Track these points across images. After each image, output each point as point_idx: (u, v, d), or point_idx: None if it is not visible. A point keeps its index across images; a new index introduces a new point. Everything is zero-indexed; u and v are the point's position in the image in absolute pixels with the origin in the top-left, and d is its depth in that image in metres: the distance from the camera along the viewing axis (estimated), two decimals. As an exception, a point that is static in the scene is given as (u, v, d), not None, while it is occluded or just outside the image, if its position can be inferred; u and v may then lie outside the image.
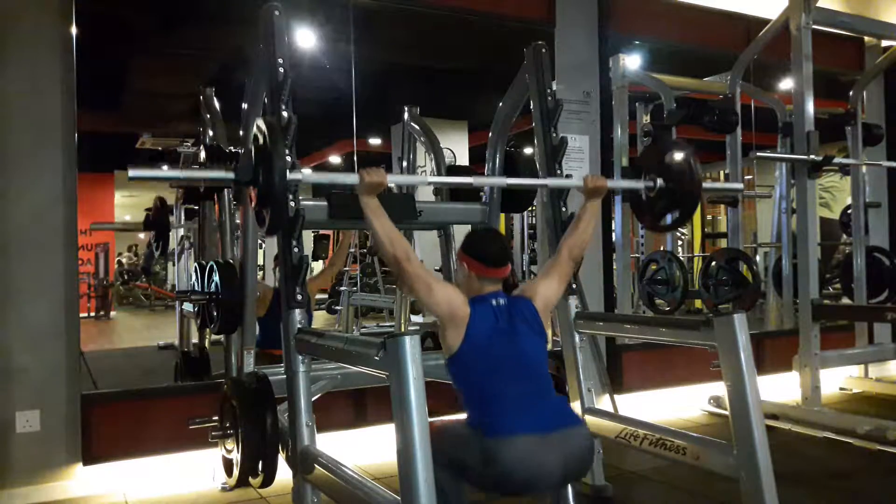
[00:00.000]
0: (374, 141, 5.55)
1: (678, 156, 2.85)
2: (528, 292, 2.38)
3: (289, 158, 2.33)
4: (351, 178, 2.26)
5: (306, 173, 2.28)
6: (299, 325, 2.33)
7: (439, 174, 3.84)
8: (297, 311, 2.34)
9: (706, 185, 2.86)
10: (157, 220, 3.86)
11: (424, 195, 4.78)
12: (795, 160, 4.20)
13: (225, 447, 2.68)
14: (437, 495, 1.69)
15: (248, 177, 2.23)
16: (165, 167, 2.21)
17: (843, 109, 5.01)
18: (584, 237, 2.57)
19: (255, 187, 2.26)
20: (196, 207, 3.86)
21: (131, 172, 2.09)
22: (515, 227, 7.04)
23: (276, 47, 2.46)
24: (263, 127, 2.21)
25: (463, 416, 2.19)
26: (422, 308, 5.84)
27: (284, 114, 2.38)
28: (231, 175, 2.25)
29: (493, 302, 2.25)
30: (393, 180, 2.35)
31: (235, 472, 2.57)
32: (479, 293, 2.26)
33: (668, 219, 2.95)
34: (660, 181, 2.84)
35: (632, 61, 4.92)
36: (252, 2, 2.69)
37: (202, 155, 3.02)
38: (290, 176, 2.17)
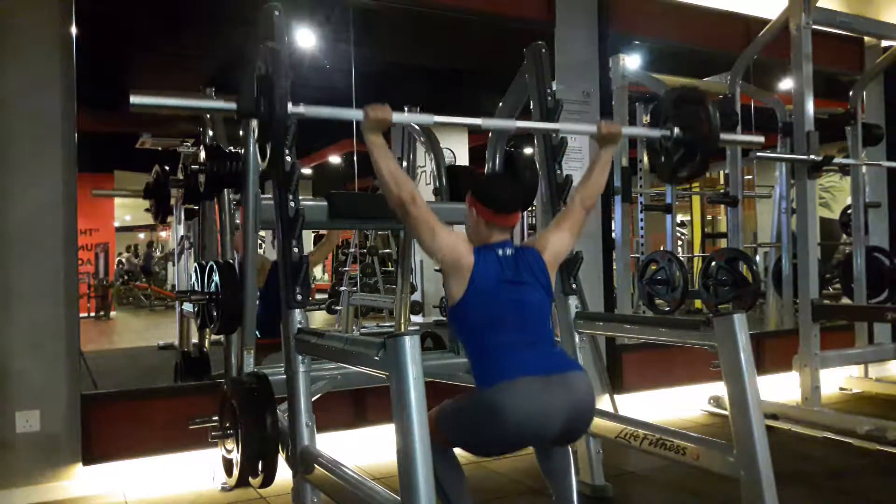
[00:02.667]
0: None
1: (696, 104, 2.78)
2: (537, 244, 2.33)
3: (290, 161, 2.33)
4: (354, 114, 2.19)
5: (308, 108, 2.22)
6: (299, 325, 2.33)
7: (439, 175, 3.84)
8: (297, 311, 2.34)
9: (724, 135, 2.76)
10: (156, 187, 3.87)
11: (424, 195, 4.78)
12: (795, 160, 4.20)
13: (225, 447, 2.68)
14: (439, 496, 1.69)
15: (251, 107, 2.19)
16: (165, 94, 2.20)
17: (843, 109, 5.01)
18: (596, 186, 2.52)
19: (257, 118, 2.22)
20: (196, 207, 3.86)
21: (134, 99, 2.05)
22: (515, 228, 7.05)
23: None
24: (268, 54, 2.16)
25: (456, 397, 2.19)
26: (421, 308, 5.86)
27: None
28: (233, 105, 2.22)
29: (500, 252, 2.19)
30: (398, 119, 2.25)
31: (235, 472, 2.57)
32: (486, 241, 2.21)
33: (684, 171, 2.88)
34: (677, 130, 2.78)
35: (632, 61, 4.92)
36: (252, 2, 2.69)
37: (202, 155, 3.02)
38: (291, 109, 2.13)
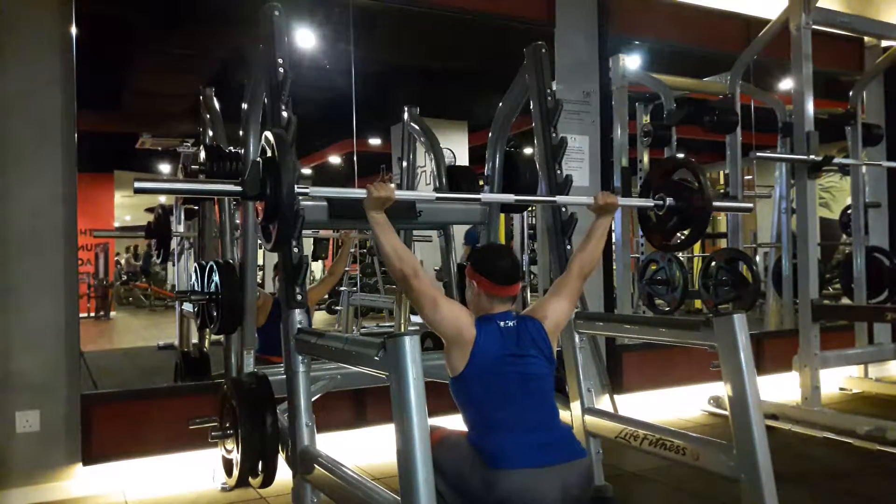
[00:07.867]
0: (374, 141, 5.55)
1: (687, 174, 2.82)
2: (538, 313, 2.33)
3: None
4: (358, 193, 2.25)
5: (313, 189, 2.24)
6: (299, 325, 2.33)
7: (439, 175, 3.83)
8: (298, 310, 2.34)
9: (716, 203, 2.80)
10: (157, 228, 3.88)
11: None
12: (795, 160, 4.20)
13: (225, 447, 2.68)
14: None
15: (256, 191, 2.19)
16: (168, 179, 2.17)
17: (843, 109, 5.01)
18: (594, 254, 2.56)
19: (262, 202, 2.22)
20: (196, 208, 3.87)
21: (137, 185, 2.06)
22: (515, 227, 7.05)
23: (276, 47, 2.46)
24: (272, 139, 2.18)
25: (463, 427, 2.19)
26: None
27: (284, 114, 2.38)
28: (238, 188, 2.21)
29: (501, 323, 2.20)
30: (400, 195, 2.30)
31: (235, 472, 2.57)
32: (487, 312, 2.23)
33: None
34: (669, 200, 2.82)
35: (632, 61, 4.92)
36: (252, 2, 2.69)
37: (202, 155, 3.03)
38: (297, 190, 2.15)
